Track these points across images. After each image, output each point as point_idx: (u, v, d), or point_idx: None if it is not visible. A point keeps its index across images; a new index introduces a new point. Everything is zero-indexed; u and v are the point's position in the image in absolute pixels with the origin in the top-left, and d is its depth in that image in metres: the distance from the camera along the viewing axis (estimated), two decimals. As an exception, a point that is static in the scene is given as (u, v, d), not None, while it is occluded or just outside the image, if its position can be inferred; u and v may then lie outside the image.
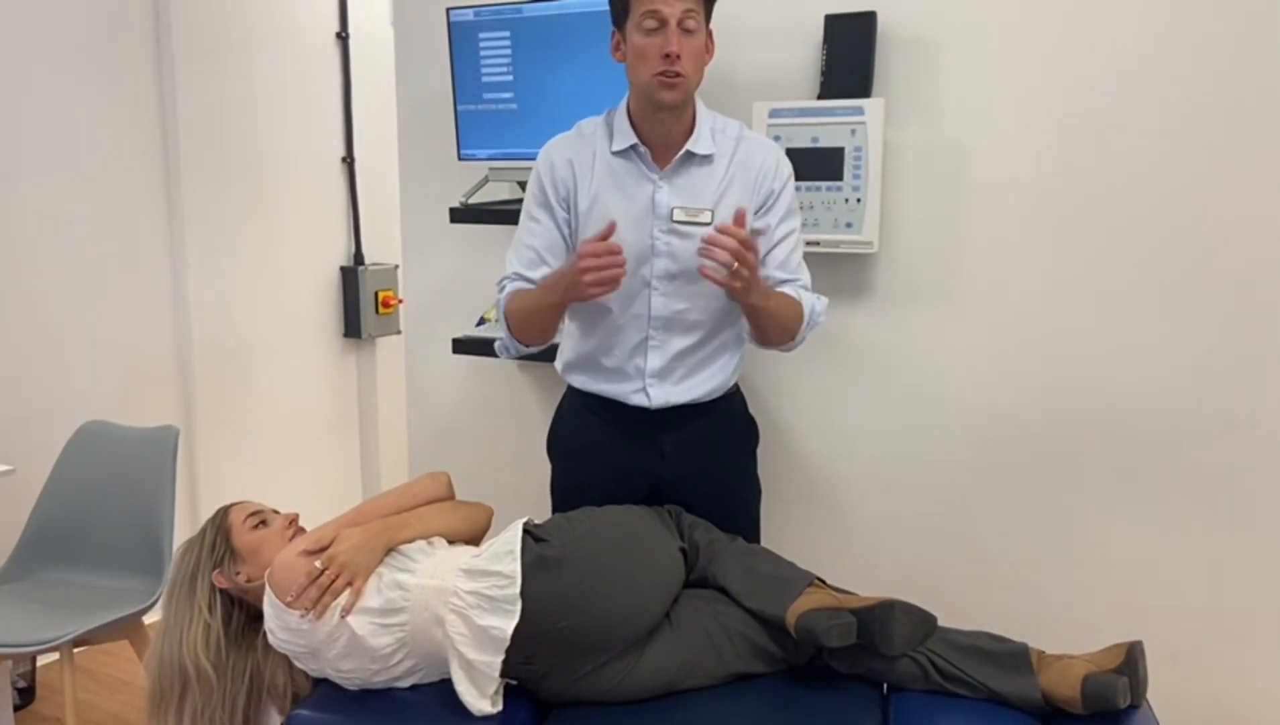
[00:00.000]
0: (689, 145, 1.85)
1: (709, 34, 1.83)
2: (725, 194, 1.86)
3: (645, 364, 1.92)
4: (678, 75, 1.76)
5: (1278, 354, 2.00)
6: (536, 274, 1.91)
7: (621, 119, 1.88)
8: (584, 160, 1.89)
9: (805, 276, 1.95)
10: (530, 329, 1.92)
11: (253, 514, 1.85)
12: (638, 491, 1.96)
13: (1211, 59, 1.96)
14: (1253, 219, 1.98)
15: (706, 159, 1.86)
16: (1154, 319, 2.07)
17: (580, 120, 1.95)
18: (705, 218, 1.85)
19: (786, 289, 1.91)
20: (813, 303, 1.93)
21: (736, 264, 1.68)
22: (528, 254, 1.93)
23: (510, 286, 1.94)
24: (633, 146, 1.86)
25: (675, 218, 1.85)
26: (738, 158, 1.88)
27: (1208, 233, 2.01)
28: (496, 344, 2.01)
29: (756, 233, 1.80)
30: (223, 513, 1.86)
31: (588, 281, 1.70)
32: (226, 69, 3.44)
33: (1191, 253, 2.03)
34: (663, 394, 1.94)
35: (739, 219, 1.73)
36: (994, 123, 2.13)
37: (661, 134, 1.85)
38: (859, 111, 2.14)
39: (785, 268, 1.92)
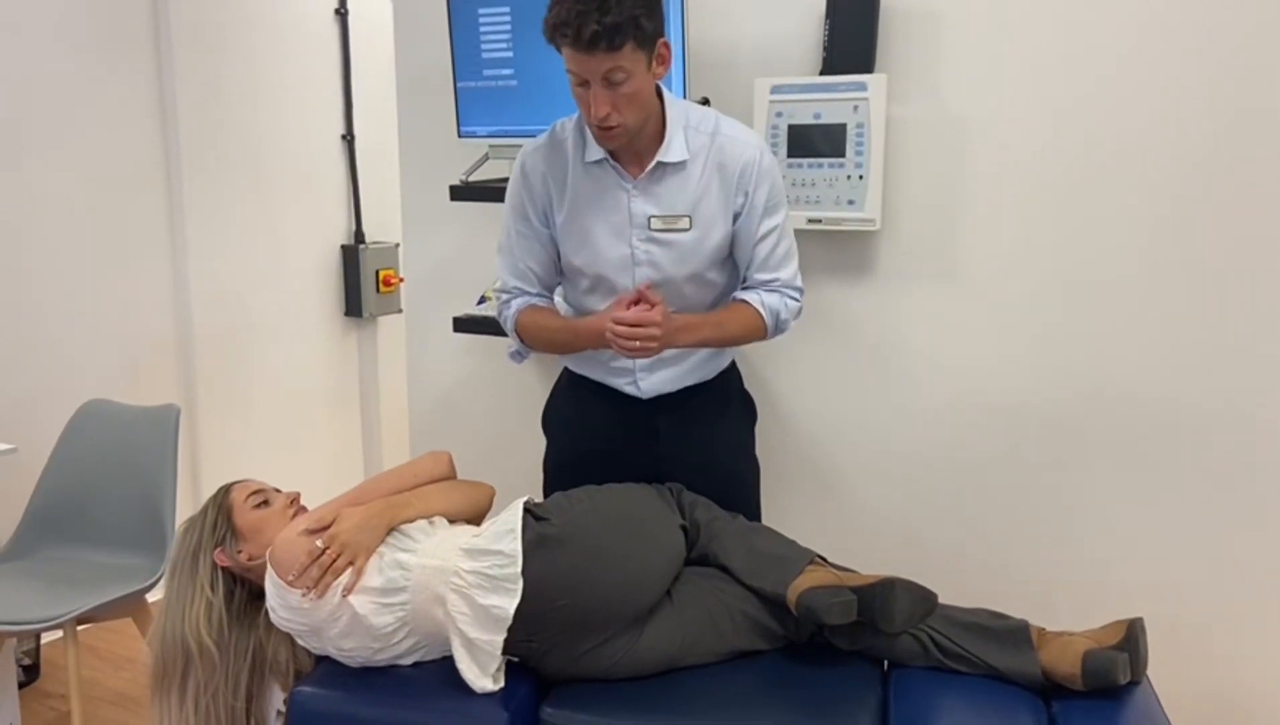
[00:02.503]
0: (659, 156, 1.80)
1: (660, 48, 1.70)
2: (703, 198, 1.82)
3: (635, 362, 1.93)
4: (612, 127, 1.70)
5: (1275, 335, 2.00)
6: (534, 288, 1.96)
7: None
8: (558, 171, 1.86)
9: (787, 271, 1.89)
10: (551, 351, 2.01)
11: (254, 493, 1.85)
12: (632, 468, 1.96)
13: (1220, 34, 1.94)
14: (1262, 197, 1.97)
15: (680, 165, 1.81)
16: (1157, 299, 2.07)
17: (555, 120, 1.91)
18: (684, 224, 1.83)
19: (748, 296, 1.88)
20: (777, 309, 1.88)
21: (638, 343, 1.73)
22: (519, 266, 1.95)
23: (516, 302, 1.96)
24: (603, 159, 1.82)
25: (653, 227, 1.83)
26: (713, 158, 1.82)
27: (1215, 211, 2.00)
28: (510, 352, 2.05)
29: (650, 297, 1.76)
30: (224, 491, 1.86)
31: (623, 349, 1.75)
32: (225, 47, 3.42)
33: (1198, 232, 2.02)
34: (653, 386, 1.96)
35: (639, 296, 1.76)
36: (998, 98, 2.11)
37: (627, 148, 1.80)
38: (862, 87, 2.12)
39: (765, 267, 1.88)
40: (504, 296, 1.99)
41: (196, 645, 1.72)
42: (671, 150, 1.80)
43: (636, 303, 1.76)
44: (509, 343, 2.03)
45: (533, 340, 1.97)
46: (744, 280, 1.93)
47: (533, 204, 1.90)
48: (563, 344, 1.95)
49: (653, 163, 1.80)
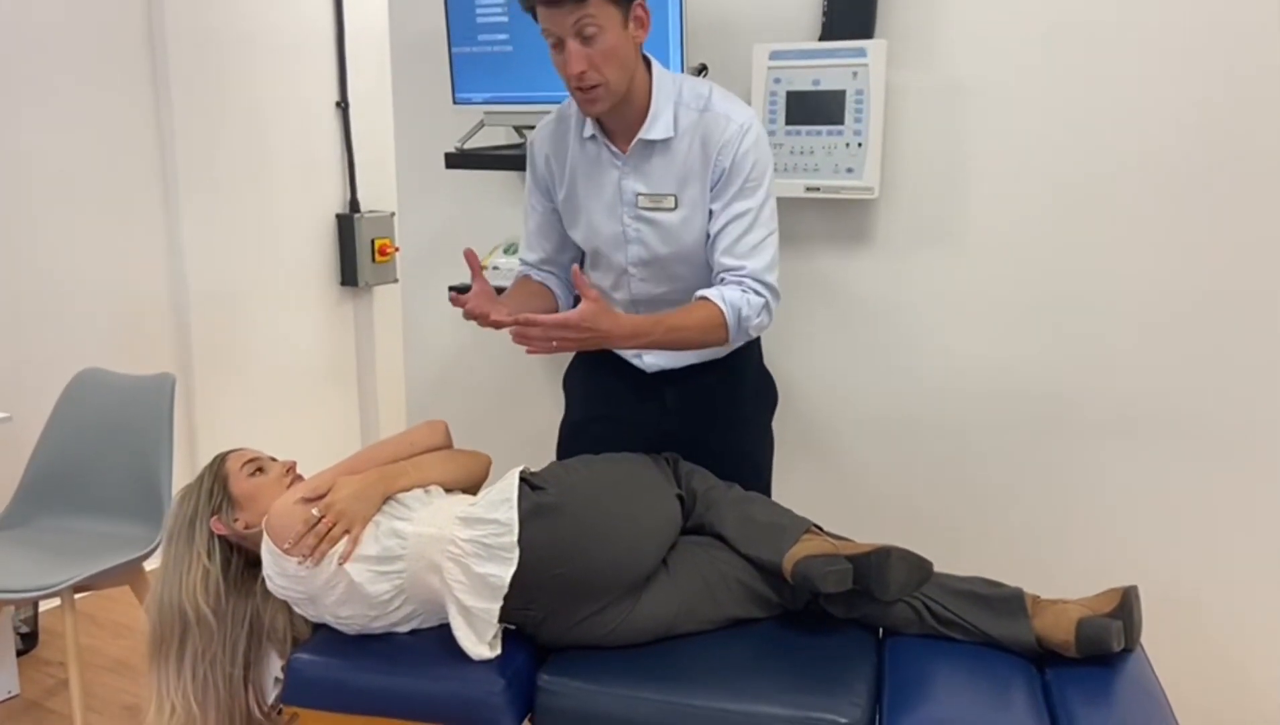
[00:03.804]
0: (642, 133, 1.76)
1: (636, 9, 1.67)
2: (688, 176, 1.78)
3: None
4: (593, 87, 1.67)
5: (1273, 303, 1.99)
6: (534, 259, 1.99)
7: None
8: (560, 151, 1.87)
9: (756, 262, 1.76)
10: None
11: (250, 461, 1.85)
12: (640, 437, 1.96)
13: (1221, -1, 1.93)
14: (1260, 163, 1.95)
15: (665, 143, 1.77)
16: (1158, 269, 2.06)
17: (550, 88, 1.93)
18: (669, 203, 1.79)
19: (710, 293, 1.75)
20: (739, 306, 1.73)
21: (555, 343, 1.64)
22: (528, 237, 2.00)
23: (519, 270, 2.02)
24: (594, 136, 1.80)
25: (641, 205, 1.81)
26: (698, 135, 1.75)
27: (1211, 178, 1.99)
28: None
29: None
30: (220, 459, 1.86)
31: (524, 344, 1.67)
32: (218, 13, 3.38)
33: (1194, 199, 2.01)
34: (656, 361, 1.96)
35: (573, 274, 1.64)
36: (998, 65, 2.09)
37: (616, 123, 1.78)
38: (861, 53, 2.10)
39: (733, 252, 1.76)
40: (520, 268, 2.04)
41: (194, 613, 1.73)
42: (655, 127, 1.75)
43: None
44: None
45: None
46: (711, 265, 1.82)
47: (537, 183, 1.93)
48: None
49: (635, 139, 1.77)
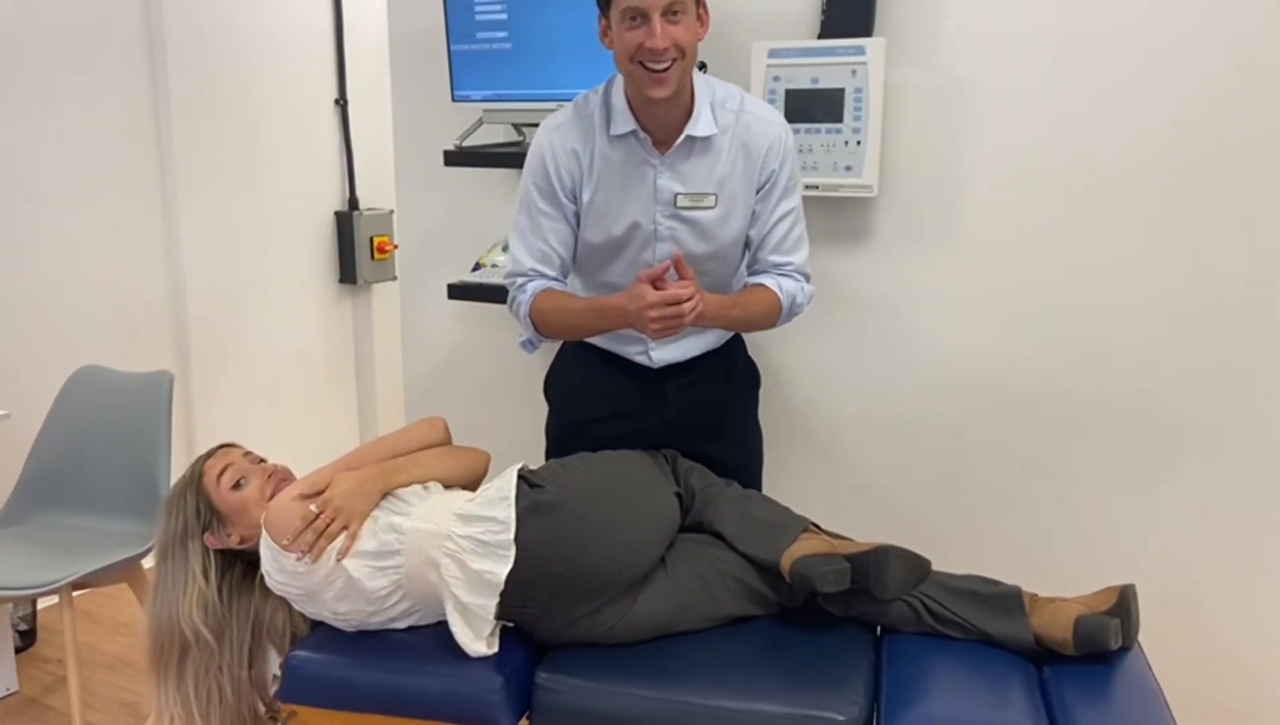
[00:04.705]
0: (688, 129, 1.77)
1: (704, 8, 1.75)
2: (729, 176, 1.81)
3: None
4: (668, 67, 1.68)
5: (1273, 302, 1.99)
6: (553, 271, 1.89)
7: (620, 99, 1.79)
8: (585, 147, 1.82)
9: (800, 256, 1.90)
10: (569, 335, 1.96)
11: (225, 471, 1.79)
12: (641, 433, 1.96)
13: (1220, -3, 1.93)
14: (1257, 163, 1.95)
15: (707, 141, 1.79)
16: (1157, 265, 2.06)
17: (577, 94, 1.87)
18: (709, 202, 1.81)
19: (766, 280, 1.87)
20: (794, 293, 1.89)
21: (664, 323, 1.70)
22: (542, 248, 1.87)
23: (531, 286, 1.88)
24: (632, 132, 1.79)
25: (679, 204, 1.81)
26: (738, 136, 1.80)
27: (1211, 176, 1.99)
28: (521, 340, 1.97)
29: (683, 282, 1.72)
30: (198, 476, 1.81)
31: (655, 329, 1.71)
32: (216, 11, 3.37)
33: (1194, 196, 2.01)
34: (665, 356, 1.96)
35: (676, 262, 1.72)
36: (998, 62, 2.09)
37: (659, 119, 1.78)
38: (860, 51, 2.09)
39: (779, 250, 1.88)
40: (519, 281, 1.89)
41: (192, 634, 1.72)
42: (700, 124, 1.77)
43: (659, 276, 1.71)
44: (519, 331, 1.95)
45: (552, 325, 1.89)
46: (753, 262, 1.90)
47: (560, 182, 1.84)
48: (585, 327, 1.88)
49: (681, 137, 1.77)
